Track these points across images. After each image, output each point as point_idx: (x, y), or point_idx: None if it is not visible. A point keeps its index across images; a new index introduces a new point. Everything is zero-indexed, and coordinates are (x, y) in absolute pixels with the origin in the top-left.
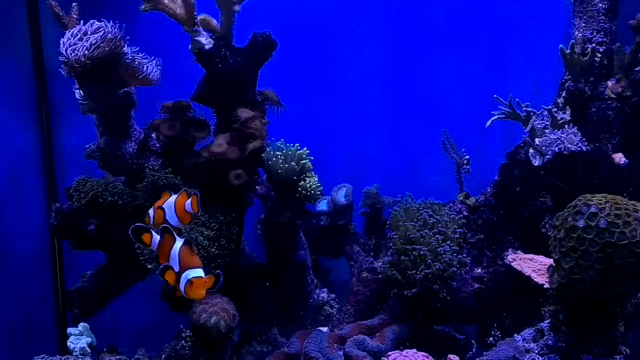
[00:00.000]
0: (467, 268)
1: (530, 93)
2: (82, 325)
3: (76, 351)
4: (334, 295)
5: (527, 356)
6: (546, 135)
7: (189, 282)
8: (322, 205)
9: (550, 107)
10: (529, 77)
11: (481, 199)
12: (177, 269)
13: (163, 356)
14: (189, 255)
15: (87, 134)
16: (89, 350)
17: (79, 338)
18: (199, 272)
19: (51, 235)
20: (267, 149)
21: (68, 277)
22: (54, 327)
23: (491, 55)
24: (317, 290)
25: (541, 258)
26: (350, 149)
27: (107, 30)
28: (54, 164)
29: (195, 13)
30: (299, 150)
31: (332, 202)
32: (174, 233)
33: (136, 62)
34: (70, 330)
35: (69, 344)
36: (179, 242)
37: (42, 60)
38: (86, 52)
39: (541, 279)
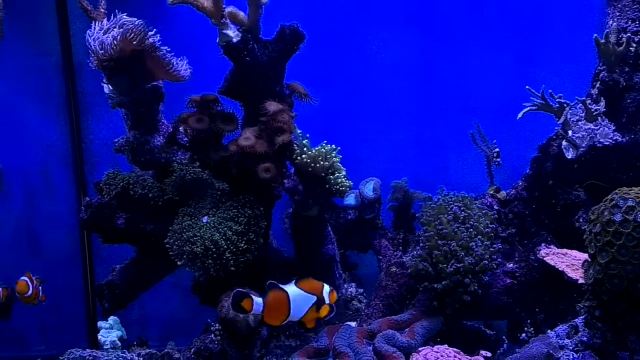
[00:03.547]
0: (498, 262)
1: (563, 84)
2: (112, 319)
3: (107, 344)
4: (362, 290)
5: (561, 353)
6: (580, 128)
7: (331, 290)
8: (350, 199)
9: (584, 98)
10: (562, 67)
11: (512, 192)
12: (301, 311)
13: (192, 350)
14: (308, 283)
15: (115, 127)
16: (120, 344)
17: (109, 331)
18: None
19: (81, 229)
20: (296, 143)
21: (98, 271)
22: (84, 320)
23: (522, 45)
24: (345, 285)
25: (575, 253)
26: (378, 142)
27: (134, 23)
28: (83, 158)
29: (223, 6)
30: (329, 150)
31: (360, 196)
32: (279, 285)
33: (166, 57)
34: (100, 323)
35: (99, 337)
36: (290, 286)
37: (71, 54)
38: (114, 44)
39: (575, 274)
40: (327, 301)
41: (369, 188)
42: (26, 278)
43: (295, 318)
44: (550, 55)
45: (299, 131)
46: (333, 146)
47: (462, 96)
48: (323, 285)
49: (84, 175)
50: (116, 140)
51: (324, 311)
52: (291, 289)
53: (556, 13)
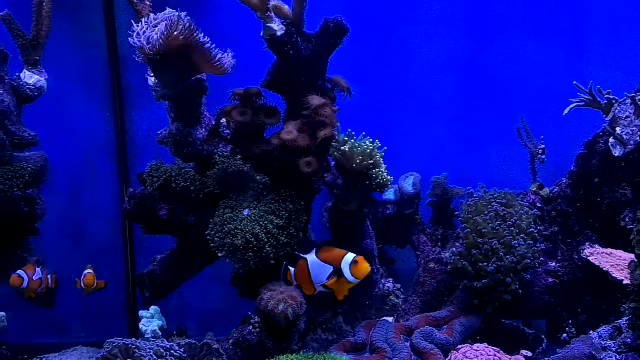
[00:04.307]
0: (541, 261)
1: (611, 79)
2: (153, 309)
3: (148, 334)
4: (399, 285)
5: (604, 354)
6: (629, 124)
7: (354, 262)
8: (389, 194)
9: (633, 94)
10: (611, 62)
11: (556, 190)
12: (322, 277)
13: (231, 341)
14: (329, 253)
15: (158, 119)
16: (160, 333)
17: (150, 321)
18: (351, 255)
19: (123, 219)
20: (337, 138)
21: (139, 260)
22: (125, 308)
23: (570, 39)
24: (382, 280)
25: (620, 253)
26: (419, 136)
27: (180, 18)
28: (127, 149)
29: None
30: (371, 143)
31: (399, 191)
32: (300, 255)
33: (210, 51)
34: (142, 313)
35: (141, 326)
36: (311, 256)
37: (116, 47)
38: (160, 39)
39: (620, 275)
40: (346, 273)
41: (408, 183)
42: (90, 271)
43: (319, 283)
44: (599, 49)
45: (338, 126)
46: (377, 143)
47: (505, 91)
48: (344, 256)
49: (127, 166)
50: (159, 132)
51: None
52: (311, 257)
53: (605, 6)
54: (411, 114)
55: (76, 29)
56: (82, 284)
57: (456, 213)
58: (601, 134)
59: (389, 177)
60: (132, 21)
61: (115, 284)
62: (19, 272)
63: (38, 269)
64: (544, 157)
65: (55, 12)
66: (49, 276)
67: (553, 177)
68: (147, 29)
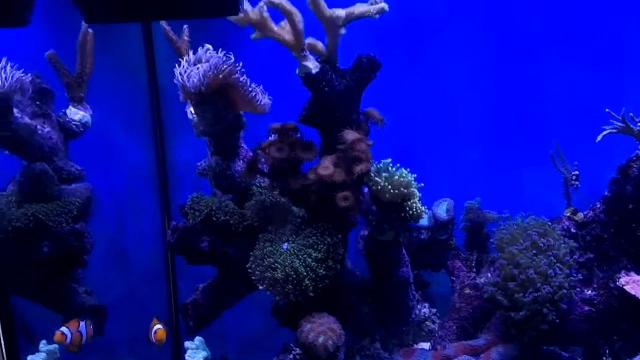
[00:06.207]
0: (577, 289)
1: None
2: (198, 339)
3: None
4: (434, 310)
5: None
6: None
7: None
8: (423, 220)
9: None
10: None
11: (590, 214)
12: None
13: None
14: None
15: (197, 149)
16: None
17: (196, 352)
18: None
19: (166, 250)
20: (372, 169)
21: (180, 285)
22: (170, 337)
23: (605, 61)
24: (418, 306)
25: None
26: (451, 161)
27: (220, 58)
28: (167, 178)
29: (304, 39)
30: (406, 175)
31: (433, 216)
32: None
33: (249, 90)
34: (187, 344)
35: (187, 358)
36: None
37: (156, 78)
38: (201, 79)
39: None
40: None
41: (442, 209)
42: (160, 326)
43: None
44: (635, 74)
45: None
46: (413, 175)
47: (538, 113)
48: None
49: (168, 195)
50: (199, 163)
51: None
52: None
53: None
54: (444, 140)
55: (117, 63)
56: (154, 339)
57: (491, 240)
58: (634, 158)
59: (422, 209)
60: (176, 65)
61: (158, 311)
62: (62, 329)
63: (82, 323)
64: (577, 183)
65: (97, 48)
66: (89, 326)
67: (586, 200)
68: (188, 68)
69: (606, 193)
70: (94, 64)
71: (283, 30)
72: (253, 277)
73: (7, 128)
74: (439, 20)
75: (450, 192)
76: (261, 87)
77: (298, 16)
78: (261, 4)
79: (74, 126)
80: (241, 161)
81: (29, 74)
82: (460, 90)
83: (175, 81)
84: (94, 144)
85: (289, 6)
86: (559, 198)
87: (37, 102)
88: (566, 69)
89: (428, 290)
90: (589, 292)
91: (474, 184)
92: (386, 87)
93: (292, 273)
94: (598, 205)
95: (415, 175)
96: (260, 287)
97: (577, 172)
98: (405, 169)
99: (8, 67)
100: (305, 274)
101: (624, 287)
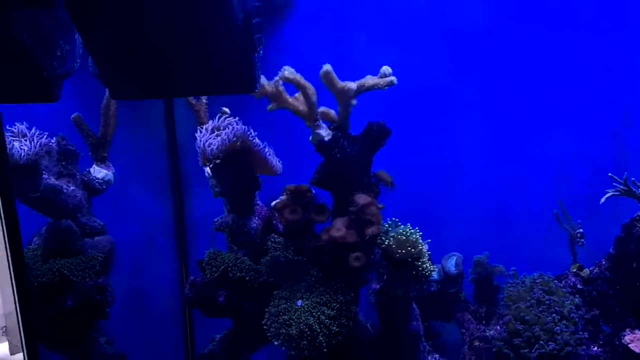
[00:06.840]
0: (583, 347)
1: None
2: None
3: None
4: None
5: None
6: None
7: None
8: (433, 274)
9: None
10: None
11: (595, 270)
12: None
13: None
14: None
15: (214, 202)
16: None
17: None
18: None
19: (184, 304)
20: (383, 230)
21: (197, 331)
22: None
23: (610, 124)
24: (429, 357)
25: None
26: (459, 216)
27: (237, 126)
28: (185, 230)
29: (317, 110)
30: (412, 232)
31: (442, 270)
32: None
33: (264, 155)
34: None
35: None
36: None
37: (175, 137)
38: (220, 146)
39: None
40: None
41: (451, 263)
42: None
43: None
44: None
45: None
46: (420, 233)
47: (543, 171)
48: None
49: (185, 247)
50: (216, 219)
51: None
52: None
53: None
54: (453, 198)
55: (138, 123)
56: None
57: (499, 288)
58: (638, 218)
59: (432, 268)
60: (197, 130)
61: None
62: None
63: None
64: (582, 240)
65: (119, 109)
66: None
67: (593, 255)
68: (207, 135)
69: (611, 250)
70: (117, 125)
71: (297, 102)
72: (268, 333)
73: (35, 190)
74: (444, 83)
75: (458, 246)
76: (272, 150)
77: (311, 90)
78: (277, 78)
79: (97, 184)
80: (257, 218)
81: (55, 137)
82: (468, 147)
83: (196, 147)
84: (115, 197)
85: (302, 81)
86: (566, 251)
87: (63, 163)
88: (569, 123)
89: (438, 339)
90: (595, 348)
91: (482, 238)
92: (394, 145)
93: (307, 330)
94: (603, 262)
95: (422, 233)
96: (276, 343)
97: (581, 231)
98: (414, 227)
99: (36, 135)
100: (319, 330)
101: (629, 345)
